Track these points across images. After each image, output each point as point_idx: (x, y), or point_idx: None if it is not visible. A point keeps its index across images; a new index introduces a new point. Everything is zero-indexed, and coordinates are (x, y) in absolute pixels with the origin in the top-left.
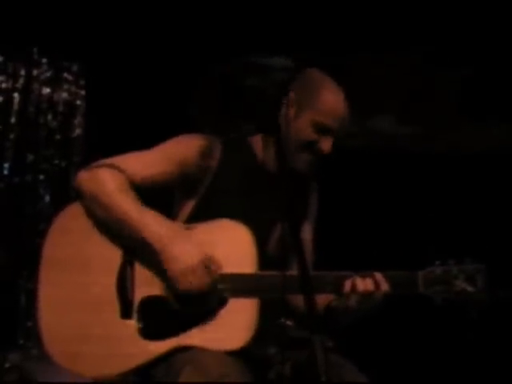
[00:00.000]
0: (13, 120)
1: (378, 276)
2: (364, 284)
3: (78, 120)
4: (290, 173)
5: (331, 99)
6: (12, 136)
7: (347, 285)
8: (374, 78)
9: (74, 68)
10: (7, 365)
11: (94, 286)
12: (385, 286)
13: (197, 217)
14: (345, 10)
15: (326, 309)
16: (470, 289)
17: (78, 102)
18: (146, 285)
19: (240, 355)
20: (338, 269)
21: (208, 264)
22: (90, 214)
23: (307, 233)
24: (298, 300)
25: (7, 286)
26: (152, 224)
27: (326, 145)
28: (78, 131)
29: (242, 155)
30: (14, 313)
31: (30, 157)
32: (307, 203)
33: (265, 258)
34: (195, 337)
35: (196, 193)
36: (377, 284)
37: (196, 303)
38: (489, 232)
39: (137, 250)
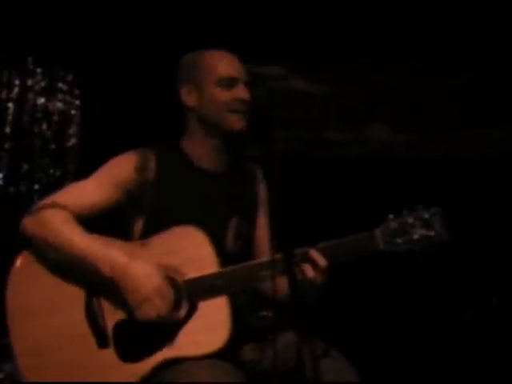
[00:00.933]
0: (7, 130)
1: (313, 252)
2: (304, 272)
3: (72, 130)
4: (231, 166)
5: (213, 56)
6: (7, 146)
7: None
8: (370, 85)
9: (69, 78)
10: (1, 375)
11: (64, 326)
12: (321, 260)
13: (149, 231)
14: (342, 17)
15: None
16: (429, 233)
17: (73, 112)
18: (114, 311)
19: (225, 358)
20: None
21: (161, 290)
22: (42, 256)
23: (262, 225)
24: (270, 289)
25: (1, 296)
26: (104, 254)
27: (242, 92)
28: (72, 141)
29: (176, 160)
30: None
31: (25, 166)
32: (255, 193)
33: (225, 255)
34: (176, 347)
35: (142, 209)
36: (313, 260)
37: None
38: (486, 239)
39: (96, 282)
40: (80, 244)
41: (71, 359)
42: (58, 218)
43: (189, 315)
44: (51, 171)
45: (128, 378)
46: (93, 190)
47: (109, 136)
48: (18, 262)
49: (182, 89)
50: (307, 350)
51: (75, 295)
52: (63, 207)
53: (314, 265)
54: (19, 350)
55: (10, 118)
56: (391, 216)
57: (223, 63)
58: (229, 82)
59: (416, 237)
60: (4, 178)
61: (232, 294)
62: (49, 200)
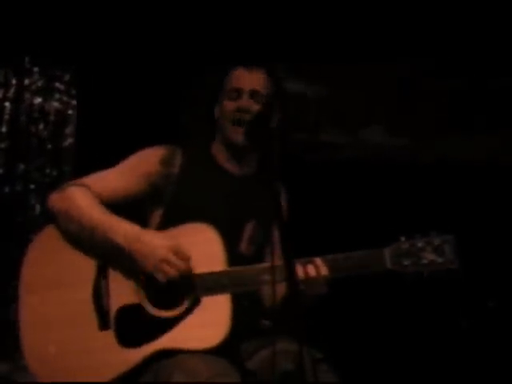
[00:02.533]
0: (4, 129)
1: (318, 261)
2: (305, 270)
3: (69, 129)
4: (256, 172)
5: (233, 70)
6: (3, 145)
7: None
8: (364, 89)
9: (66, 77)
10: None
11: (71, 302)
12: (324, 271)
13: (166, 224)
14: (335, 22)
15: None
16: (438, 259)
17: (70, 112)
18: (120, 294)
19: (220, 353)
20: None
21: (177, 250)
22: (64, 230)
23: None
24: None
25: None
26: (119, 224)
27: (244, 102)
28: (69, 141)
29: (203, 160)
30: (3, 323)
31: (21, 166)
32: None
33: (236, 257)
34: (173, 339)
35: (163, 201)
36: (317, 269)
37: (171, 305)
38: (477, 242)
39: (110, 258)
40: (98, 214)
41: (71, 336)
42: (80, 193)
43: (191, 309)
44: (47, 171)
45: (124, 362)
46: (117, 177)
47: (105, 136)
48: (38, 236)
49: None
50: (306, 355)
51: (86, 274)
52: (88, 187)
53: (317, 272)
54: (24, 321)
55: (6, 117)
56: (403, 238)
57: (233, 76)
58: (234, 94)
59: (424, 261)
60: (0, 178)
61: (236, 294)
62: (77, 181)
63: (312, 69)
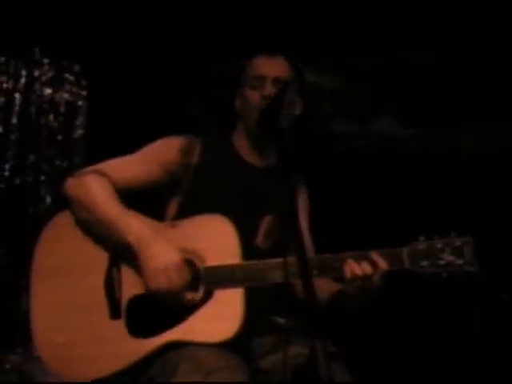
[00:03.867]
0: (14, 120)
1: (374, 255)
2: (361, 267)
3: (79, 121)
4: (275, 167)
5: (252, 59)
6: (13, 137)
7: (346, 270)
8: (376, 79)
9: (76, 68)
10: (7, 366)
11: (83, 291)
12: (383, 264)
13: (183, 214)
14: (346, 12)
15: (331, 298)
16: (457, 261)
17: (80, 103)
18: (132, 284)
19: (231, 348)
20: None
21: (181, 268)
22: (77, 217)
23: (304, 225)
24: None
25: (8, 287)
26: (133, 225)
27: (267, 90)
28: (79, 132)
29: (223, 150)
30: (14, 314)
31: (32, 157)
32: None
33: (254, 251)
34: (184, 331)
35: (180, 191)
36: (374, 264)
37: (182, 297)
38: (488, 232)
39: (121, 251)
40: (112, 209)
41: (81, 324)
42: (97, 182)
43: (203, 301)
44: (58, 162)
45: (133, 352)
46: (135, 165)
47: (115, 127)
48: (53, 222)
49: (238, 91)
50: (321, 350)
51: (98, 262)
52: (105, 175)
53: (375, 266)
54: (35, 307)
55: (16, 108)
56: (422, 238)
57: (255, 64)
58: (257, 82)
59: (443, 262)
60: (10, 169)
61: (250, 288)
62: (93, 167)
63: (324, 59)
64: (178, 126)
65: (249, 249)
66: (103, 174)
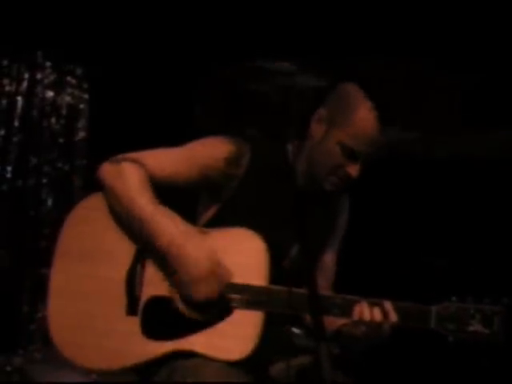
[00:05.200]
0: (16, 123)
1: (387, 305)
2: (371, 313)
3: (81, 123)
4: (315, 190)
5: (364, 122)
6: (15, 139)
7: (355, 312)
8: (376, 84)
9: (78, 72)
10: (10, 368)
11: (104, 279)
12: (393, 317)
13: (218, 222)
14: (346, 17)
15: (334, 334)
16: (484, 330)
17: (82, 106)
18: (154, 284)
19: (242, 366)
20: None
21: (219, 271)
22: (109, 205)
23: (330, 252)
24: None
25: (10, 289)
26: (167, 225)
27: (354, 170)
28: (81, 135)
29: (273, 162)
30: (17, 316)
31: (33, 160)
32: (335, 220)
33: (282, 274)
34: (196, 343)
35: (220, 198)
36: (385, 314)
37: (202, 309)
38: (490, 236)
39: (149, 248)
40: (146, 207)
41: (97, 313)
42: (135, 174)
43: (221, 317)
44: (59, 165)
45: (142, 352)
46: (175, 163)
47: (117, 130)
48: (84, 202)
49: (320, 111)
50: (324, 350)
51: (124, 254)
52: (142, 165)
53: (385, 316)
54: (53, 288)
55: (18, 111)
56: (454, 298)
57: (363, 133)
58: (351, 153)
59: (470, 329)
60: (12, 172)
61: (267, 312)
62: (133, 155)
63: (324, 64)
64: (180, 128)
65: (277, 271)
66: (143, 165)
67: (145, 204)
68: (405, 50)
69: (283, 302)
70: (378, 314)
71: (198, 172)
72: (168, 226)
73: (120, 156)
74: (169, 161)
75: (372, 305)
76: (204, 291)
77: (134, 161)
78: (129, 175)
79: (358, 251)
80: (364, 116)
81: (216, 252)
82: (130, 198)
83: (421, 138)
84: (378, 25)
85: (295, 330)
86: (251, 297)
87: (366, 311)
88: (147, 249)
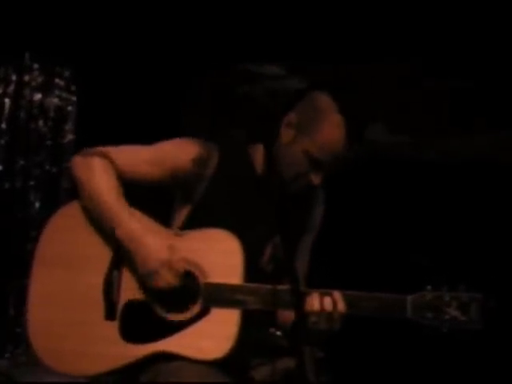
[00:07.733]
0: (3, 125)
1: (336, 295)
2: (322, 303)
3: (69, 126)
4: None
5: (331, 134)
6: (2, 141)
7: (306, 303)
8: (365, 87)
9: (66, 74)
10: None
11: (81, 285)
12: (341, 306)
13: (191, 223)
14: (341, 19)
15: (291, 326)
16: (461, 318)
17: (70, 108)
18: (131, 288)
19: (223, 367)
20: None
21: (171, 265)
22: (79, 196)
23: (305, 246)
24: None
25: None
26: (127, 224)
27: (317, 179)
28: (69, 137)
29: (240, 164)
30: (2, 319)
31: (21, 162)
32: (310, 215)
33: (258, 272)
34: (175, 344)
35: (191, 199)
36: (334, 303)
37: (178, 309)
38: (476, 237)
39: (123, 249)
40: (110, 200)
41: (75, 319)
42: (102, 168)
43: (198, 317)
44: (47, 167)
45: (122, 356)
46: (143, 161)
47: (105, 132)
48: (60, 211)
49: (290, 115)
50: (309, 354)
51: (100, 259)
52: (113, 161)
53: (334, 306)
54: (32, 295)
55: (6, 113)
56: (429, 287)
57: (329, 144)
58: (316, 162)
59: (447, 317)
60: None
61: (245, 310)
62: (103, 149)
63: (314, 68)
64: (168, 131)
65: (252, 270)
66: (112, 161)
67: (110, 199)
68: (392, 54)
69: (261, 300)
70: (328, 305)
71: (166, 172)
72: (129, 221)
73: (91, 149)
74: (137, 161)
75: (322, 295)
76: (164, 278)
77: (105, 156)
78: (97, 170)
79: (347, 252)
80: (332, 130)
81: (191, 253)
82: (95, 192)
83: (409, 141)
84: (366, 28)
85: (277, 332)
86: (228, 295)
87: (316, 302)
88: (122, 249)
